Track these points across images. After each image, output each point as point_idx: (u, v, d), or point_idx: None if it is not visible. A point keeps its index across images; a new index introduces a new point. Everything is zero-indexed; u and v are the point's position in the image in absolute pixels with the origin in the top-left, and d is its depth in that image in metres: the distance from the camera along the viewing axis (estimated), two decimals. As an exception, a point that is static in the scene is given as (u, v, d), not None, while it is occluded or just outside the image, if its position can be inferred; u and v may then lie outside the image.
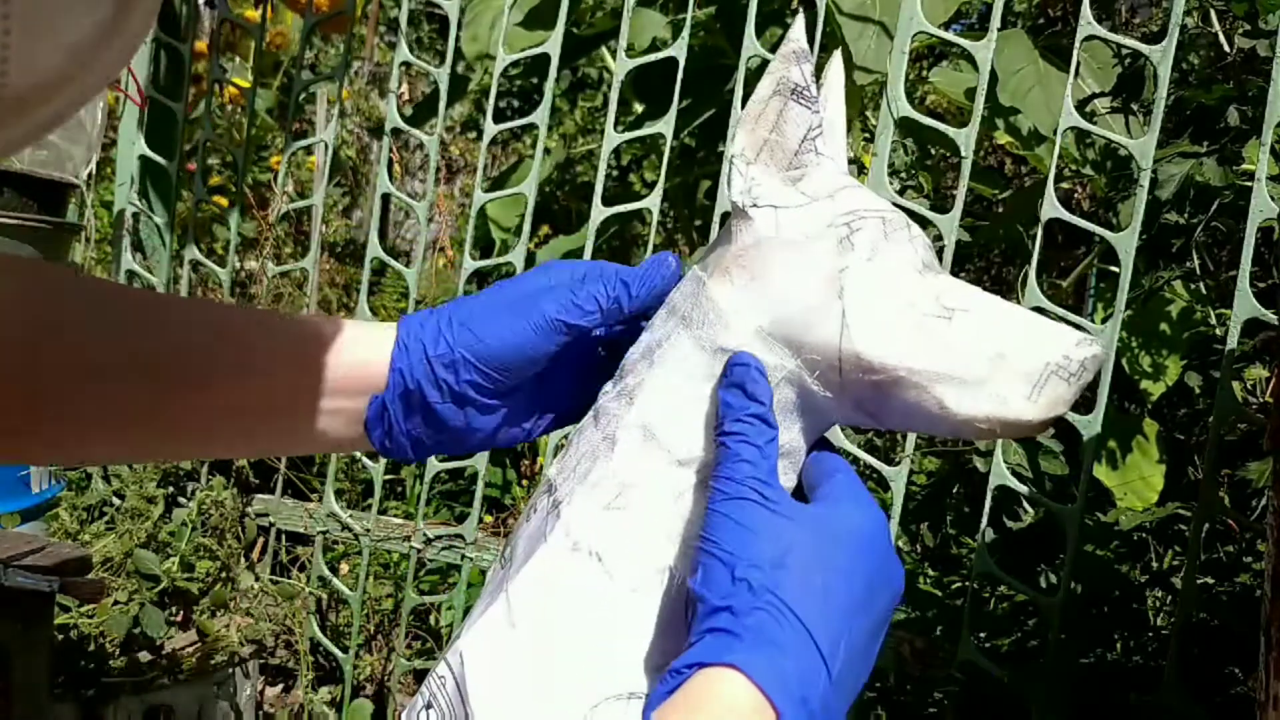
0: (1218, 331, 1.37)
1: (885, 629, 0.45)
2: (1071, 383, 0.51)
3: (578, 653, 0.50)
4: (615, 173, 2.97)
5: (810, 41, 1.31)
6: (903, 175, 1.75)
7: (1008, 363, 0.51)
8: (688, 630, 0.46)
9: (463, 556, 1.54)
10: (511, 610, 0.51)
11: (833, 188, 0.53)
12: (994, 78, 1.38)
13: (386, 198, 1.79)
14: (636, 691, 0.49)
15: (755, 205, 0.52)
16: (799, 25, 0.51)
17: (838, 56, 0.60)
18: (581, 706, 0.49)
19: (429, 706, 0.52)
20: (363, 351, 0.51)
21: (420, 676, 1.80)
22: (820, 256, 0.51)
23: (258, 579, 1.64)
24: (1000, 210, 1.91)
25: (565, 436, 1.48)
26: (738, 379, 0.47)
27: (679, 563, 0.52)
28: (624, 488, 0.52)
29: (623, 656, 0.50)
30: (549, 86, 1.46)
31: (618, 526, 0.52)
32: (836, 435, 1.27)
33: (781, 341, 0.51)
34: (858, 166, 1.55)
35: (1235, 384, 1.28)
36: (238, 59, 2.79)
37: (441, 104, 1.56)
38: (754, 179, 0.52)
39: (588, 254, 1.43)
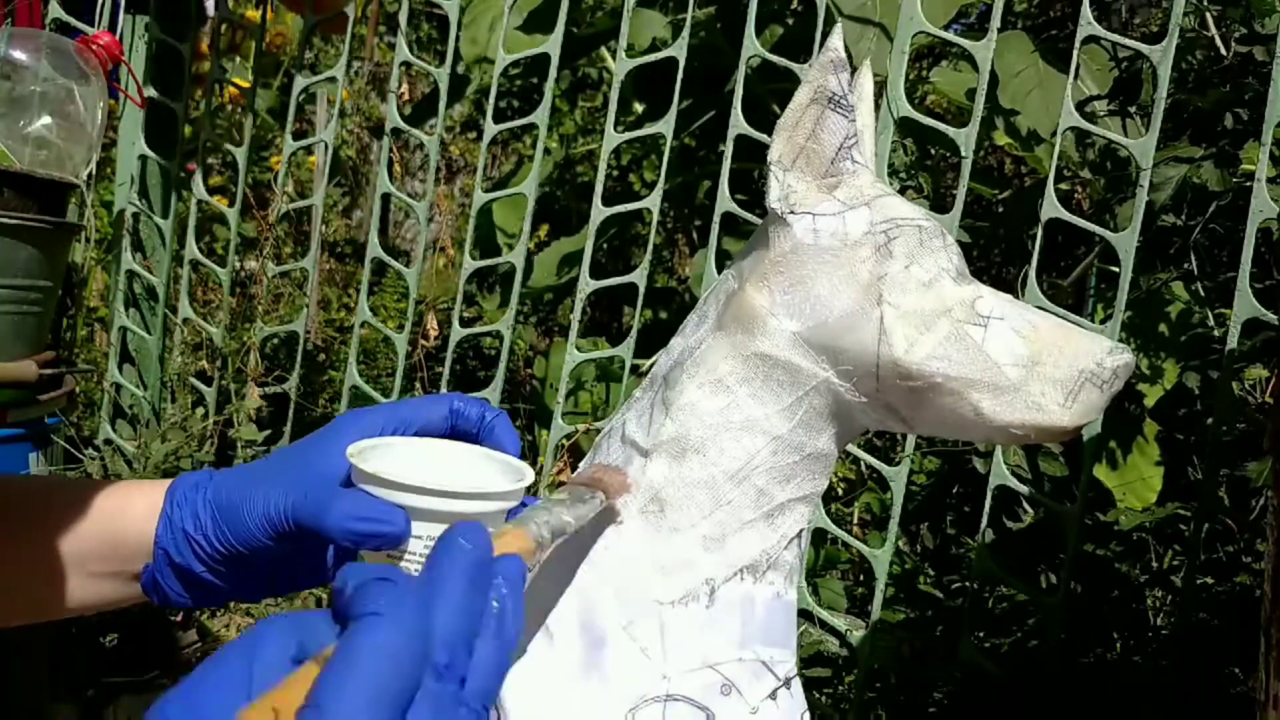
0: (1217, 332, 1.37)
1: None
2: (1104, 390, 0.52)
3: (616, 656, 0.50)
4: (615, 173, 2.97)
5: (812, 41, 1.31)
6: (903, 175, 1.75)
7: (1042, 370, 0.52)
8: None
9: (463, 556, 1.54)
10: (545, 614, 0.51)
11: (869, 195, 0.53)
12: (994, 79, 1.38)
13: (386, 198, 1.79)
14: (674, 694, 0.49)
15: (793, 212, 0.52)
16: (837, 34, 0.52)
17: (867, 65, 0.60)
18: (620, 709, 0.49)
19: None
20: (129, 522, 0.52)
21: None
22: (858, 264, 0.52)
23: (258, 579, 1.64)
24: (1000, 210, 1.91)
25: (567, 437, 1.48)
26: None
27: (717, 571, 0.52)
28: (660, 495, 0.52)
29: (661, 660, 0.50)
30: (549, 86, 1.46)
31: (655, 533, 0.52)
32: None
33: (818, 348, 0.52)
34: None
35: (1235, 384, 1.28)
36: (238, 59, 2.79)
37: (441, 104, 1.56)
38: (791, 186, 0.53)
39: (587, 254, 1.43)
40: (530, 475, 0.51)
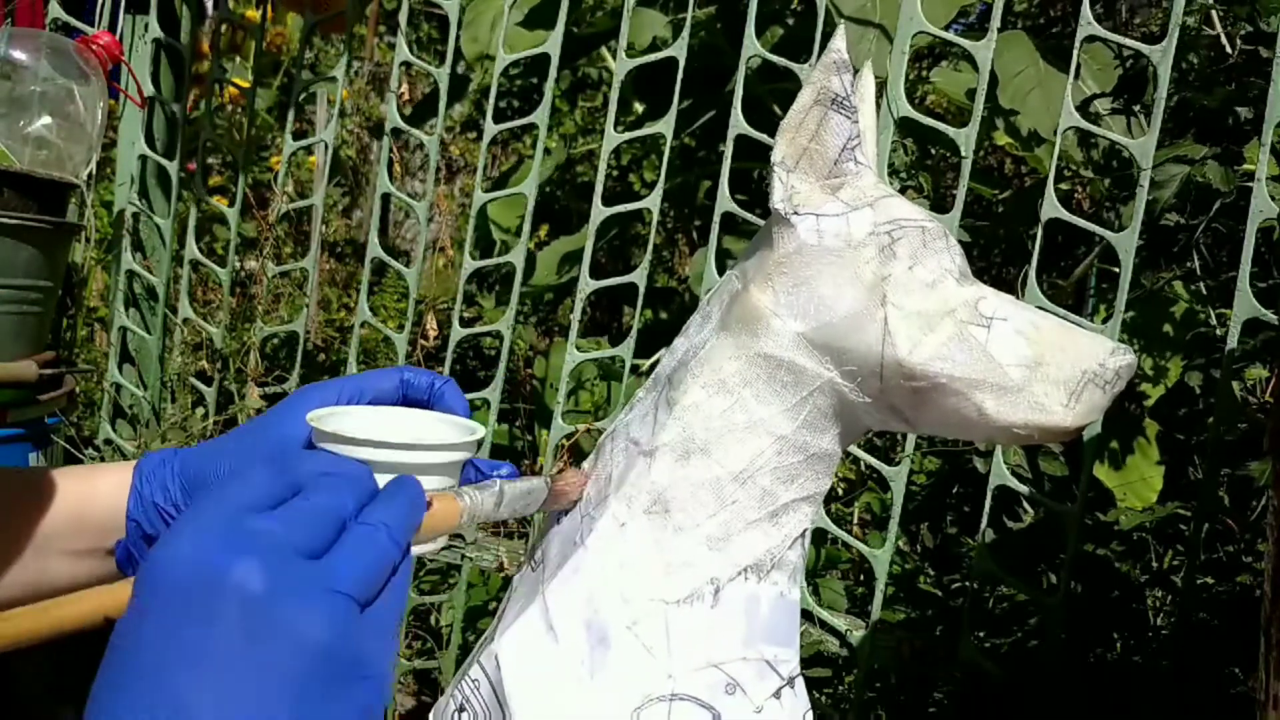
0: (1218, 332, 1.37)
1: None
2: (1107, 390, 0.52)
3: (621, 656, 0.50)
4: (615, 173, 2.97)
5: (812, 41, 1.31)
6: (903, 175, 1.75)
7: (1045, 370, 0.52)
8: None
9: (463, 556, 1.54)
10: (549, 613, 0.51)
11: (872, 196, 0.53)
12: (994, 79, 1.38)
13: (386, 198, 1.79)
14: (679, 693, 0.50)
15: (796, 213, 0.53)
16: (840, 36, 0.52)
17: (868, 67, 0.61)
18: (625, 708, 0.49)
19: (461, 710, 0.52)
20: (98, 499, 0.54)
21: (420, 676, 1.80)
22: (862, 265, 0.52)
23: (258, 579, 1.64)
24: (1000, 210, 1.91)
25: (567, 436, 1.48)
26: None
27: (722, 570, 0.52)
28: (663, 495, 0.53)
29: (666, 659, 0.50)
30: (549, 86, 1.46)
31: (660, 533, 0.52)
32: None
33: (822, 348, 0.52)
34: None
35: (1235, 384, 1.28)
36: (238, 59, 2.79)
37: (441, 104, 1.56)
38: (794, 187, 0.53)
39: (587, 254, 1.43)
40: (481, 430, 0.53)
